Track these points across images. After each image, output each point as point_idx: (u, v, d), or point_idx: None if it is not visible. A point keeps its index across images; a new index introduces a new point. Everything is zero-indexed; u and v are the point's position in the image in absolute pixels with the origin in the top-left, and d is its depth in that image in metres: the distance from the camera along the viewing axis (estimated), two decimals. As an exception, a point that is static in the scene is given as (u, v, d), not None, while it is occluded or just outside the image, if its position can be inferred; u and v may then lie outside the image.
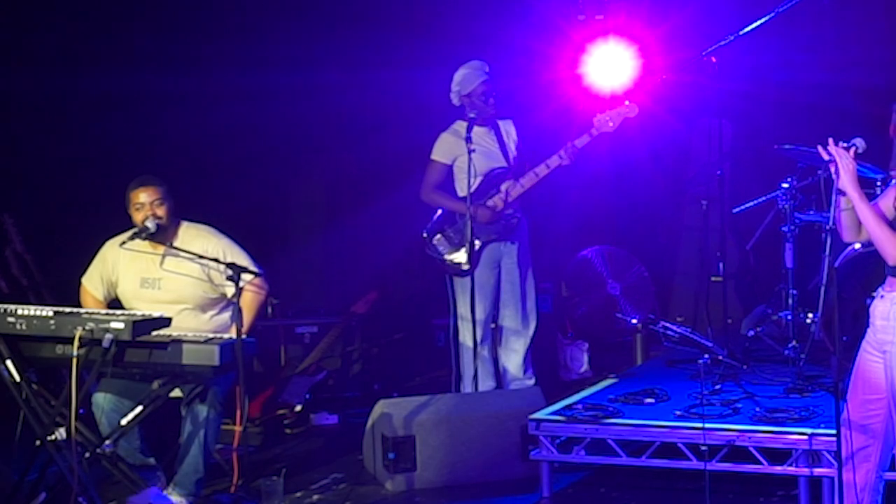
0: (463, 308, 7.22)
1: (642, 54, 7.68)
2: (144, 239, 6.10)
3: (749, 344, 7.41)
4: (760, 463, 5.71)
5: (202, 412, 5.89)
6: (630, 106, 7.18)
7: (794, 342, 7.00)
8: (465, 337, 7.25)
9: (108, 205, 6.50)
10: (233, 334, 5.66)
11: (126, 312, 5.59)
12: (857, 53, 8.14)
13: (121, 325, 5.25)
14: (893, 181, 4.92)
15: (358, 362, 8.35)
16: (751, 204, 7.60)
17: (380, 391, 7.97)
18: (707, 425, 5.70)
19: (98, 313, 5.43)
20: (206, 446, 5.90)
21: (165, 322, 5.44)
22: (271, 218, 9.14)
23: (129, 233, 6.12)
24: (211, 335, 5.68)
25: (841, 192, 4.67)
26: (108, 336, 5.23)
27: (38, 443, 5.47)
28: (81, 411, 5.39)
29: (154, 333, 5.43)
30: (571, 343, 8.64)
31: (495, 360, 7.48)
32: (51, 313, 5.37)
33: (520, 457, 6.27)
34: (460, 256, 7.18)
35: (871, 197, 4.77)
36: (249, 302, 6.14)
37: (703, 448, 5.64)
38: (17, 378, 5.48)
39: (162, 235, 6.12)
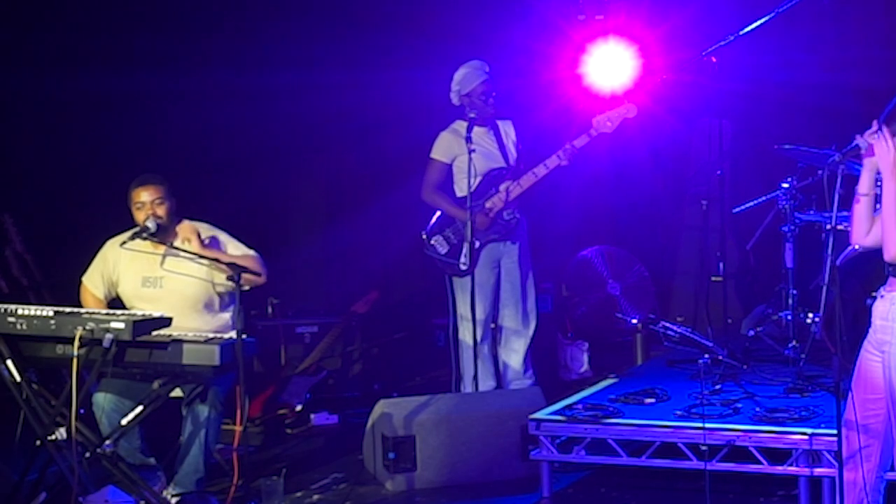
0: (463, 308, 7.22)
1: (642, 54, 7.68)
2: (145, 239, 6.10)
3: (749, 344, 7.41)
4: (761, 463, 5.71)
5: (203, 412, 5.90)
6: (629, 106, 7.18)
7: (794, 342, 7.00)
8: (465, 337, 7.25)
9: (109, 204, 6.51)
10: (233, 334, 5.66)
11: (126, 312, 5.59)
12: (857, 53, 8.14)
13: (121, 325, 5.25)
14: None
15: (358, 362, 8.35)
16: (751, 204, 7.60)
17: (380, 391, 7.97)
18: (707, 425, 5.70)
19: (98, 313, 5.43)
20: (206, 446, 5.91)
21: (166, 322, 5.44)
22: (271, 218, 9.14)
23: (130, 232, 6.12)
24: (211, 335, 5.68)
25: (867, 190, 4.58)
26: (109, 336, 5.23)
27: (38, 443, 5.47)
28: (82, 411, 5.38)
29: (154, 333, 5.43)
30: (571, 343, 8.64)
31: (495, 360, 7.48)
32: (51, 313, 5.37)
33: (520, 457, 6.27)
34: (459, 257, 7.18)
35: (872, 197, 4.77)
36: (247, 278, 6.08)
37: (704, 448, 5.64)
38: (18, 378, 5.48)
39: (163, 235, 6.12)
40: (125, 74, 7.79)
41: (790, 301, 7.13)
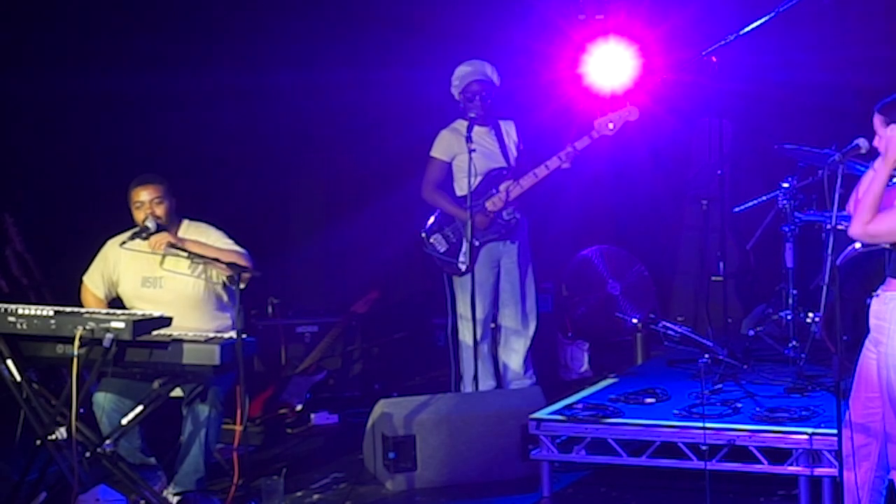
0: (463, 307, 7.22)
1: (642, 54, 7.67)
2: (145, 238, 6.10)
3: (749, 344, 7.40)
4: (761, 462, 5.71)
5: (203, 412, 5.89)
6: (631, 109, 7.16)
7: (794, 342, 7.00)
8: (465, 336, 7.25)
9: (109, 204, 6.51)
10: (233, 334, 5.66)
11: (126, 312, 5.59)
12: (857, 53, 8.13)
13: (121, 325, 5.25)
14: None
15: (358, 362, 8.35)
16: (751, 203, 7.60)
17: (380, 391, 7.97)
18: (707, 425, 5.70)
19: (98, 313, 5.43)
20: (206, 446, 5.91)
21: (166, 321, 5.44)
22: (271, 218, 9.14)
23: (130, 232, 6.12)
24: (211, 335, 5.68)
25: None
26: (109, 335, 5.23)
27: (38, 442, 5.46)
28: (82, 411, 5.39)
29: (154, 333, 5.43)
30: (572, 343, 8.64)
31: (495, 360, 7.48)
32: (51, 313, 5.37)
33: (520, 456, 6.27)
34: (458, 256, 7.18)
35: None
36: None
37: (704, 448, 5.64)
38: (18, 377, 5.49)
39: (163, 235, 6.13)
40: (125, 74, 7.79)
41: (790, 301, 7.13)
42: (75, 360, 5.20)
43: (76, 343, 5.22)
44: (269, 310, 8.33)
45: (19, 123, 7.93)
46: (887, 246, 4.71)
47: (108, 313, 5.43)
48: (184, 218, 6.28)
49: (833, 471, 5.30)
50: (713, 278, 8.09)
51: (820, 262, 6.91)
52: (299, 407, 7.61)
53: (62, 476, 5.50)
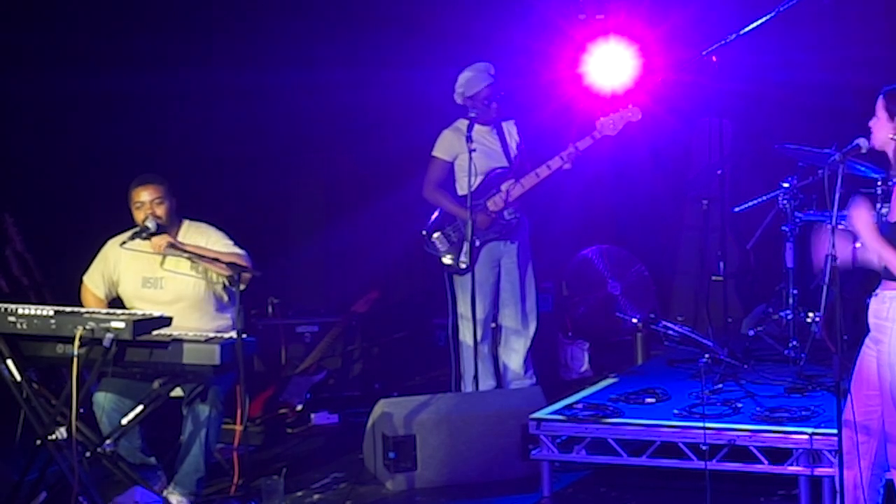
0: (463, 307, 7.22)
1: (642, 54, 7.68)
2: (145, 238, 6.10)
3: (749, 343, 7.41)
4: (761, 462, 5.70)
5: (203, 411, 5.89)
6: (633, 110, 7.15)
7: (794, 342, 7.00)
8: (466, 336, 7.25)
9: (109, 204, 6.51)
10: (233, 334, 5.66)
11: (127, 312, 5.59)
12: (857, 53, 8.13)
13: (121, 325, 5.25)
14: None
15: (358, 362, 8.35)
16: (751, 203, 7.61)
17: (380, 390, 7.97)
18: (708, 425, 5.70)
19: (99, 312, 5.43)
20: (206, 446, 5.91)
21: (166, 321, 5.44)
22: (271, 218, 9.14)
23: (130, 232, 6.12)
24: (211, 335, 5.68)
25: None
26: (109, 335, 5.23)
27: (38, 442, 5.47)
28: (82, 410, 5.39)
29: (155, 333, 5.43)
30: (572, 342, 8.64)
31: (495, 360, 7.48)
32: (51, 312, 5.37)
33: (520, 456, 6.27)
34: (459, 255, 7.18)
35: (871, 198, 4.79)
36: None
37: (704, 447, 5.64)
38: (18, 377, 5.49)
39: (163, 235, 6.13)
40: (125, 74, 7.79)
41: (790, 300, 7.13)
42: (75, 360, 5.20)
43: (76, 343, 5.22)
44: (269, 310, 8.32)
45: (19, 123, 7.93)
46: None
47: (108, 313, 5.43)
48: (184, 218, 6.28)
49: (833, 471, 5.30)
50: (713, 278, 8.09)
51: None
52: (299, 407, 7.61)
53: (62, 476, 5.50)
